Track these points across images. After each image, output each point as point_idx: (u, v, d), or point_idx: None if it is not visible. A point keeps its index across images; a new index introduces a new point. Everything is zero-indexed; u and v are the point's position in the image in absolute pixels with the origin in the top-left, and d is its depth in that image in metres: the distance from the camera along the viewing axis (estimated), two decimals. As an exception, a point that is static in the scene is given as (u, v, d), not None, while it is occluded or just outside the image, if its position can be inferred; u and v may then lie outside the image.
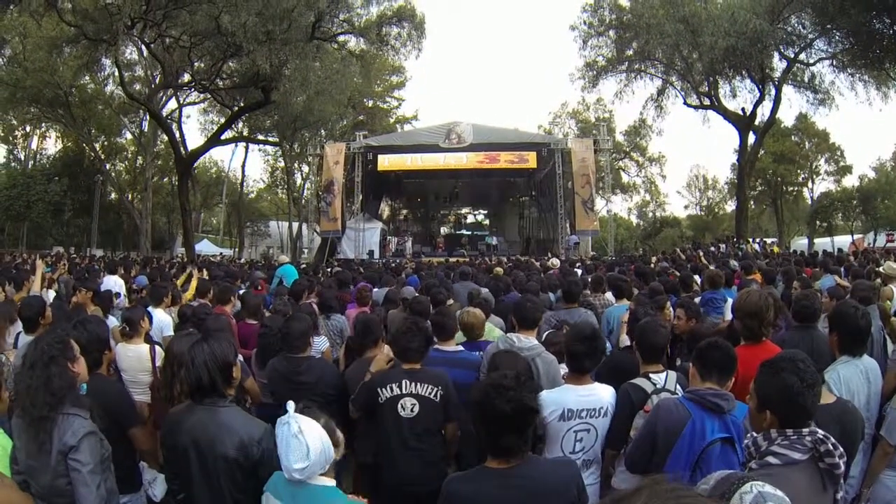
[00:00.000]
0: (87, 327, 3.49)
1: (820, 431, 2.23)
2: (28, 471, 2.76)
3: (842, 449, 2.20)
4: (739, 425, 2.89)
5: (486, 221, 34.39)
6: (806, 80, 31.71)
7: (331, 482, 2.45)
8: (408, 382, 3.75)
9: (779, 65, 31.13)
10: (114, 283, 9.61)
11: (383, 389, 3.74)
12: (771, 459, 2.19)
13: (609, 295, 7.58)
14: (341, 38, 28.06)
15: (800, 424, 2.25)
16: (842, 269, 9.79)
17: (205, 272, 10.66)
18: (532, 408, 2.43)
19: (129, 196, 42.39)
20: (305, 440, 2.33)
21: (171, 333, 6.25)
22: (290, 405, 2.41)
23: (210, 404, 2.79)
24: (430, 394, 3.74)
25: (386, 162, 29.41)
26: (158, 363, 4.95)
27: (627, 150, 47.41)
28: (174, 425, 2.85)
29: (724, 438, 2.85)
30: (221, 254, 37.88)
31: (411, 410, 3.71)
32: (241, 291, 8.20)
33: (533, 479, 2.42)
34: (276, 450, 2.76)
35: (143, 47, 27.64)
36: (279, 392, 4.21)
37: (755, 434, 2.33)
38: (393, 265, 17.05)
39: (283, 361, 4.35)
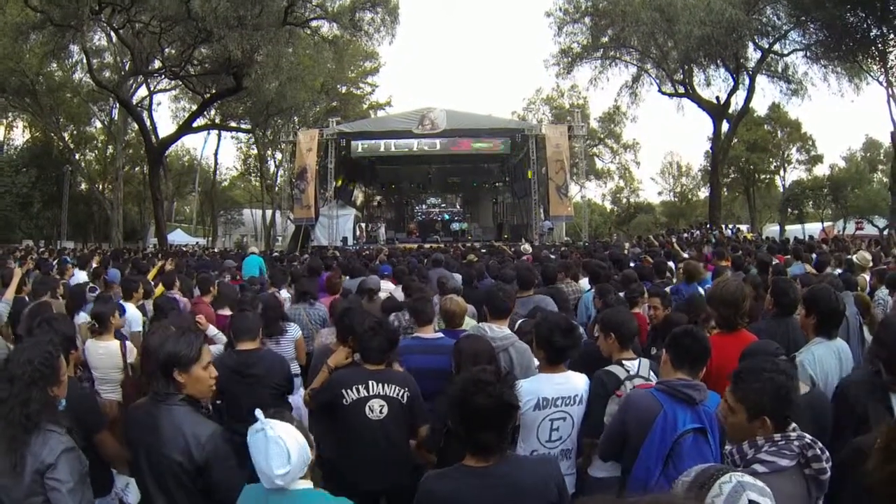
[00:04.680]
0: (53, 326, 3.39)
1: (808, 436, 2.19)
2: None
3: (828, 453, 2.17)
4: (712, 415, 2.87)
5: (459, 207, 34.35)
6: (779, 70, 32.19)
7: (308, 484, 2.39)
8: (374, 384, 3.61)
9: (753, 55, 31.59)
10: (81, 279, 9.44)
11: (348, 391, 3.58)
12: (758, 468, 2.13)
13: (584, 281, 7.58)
14: (314, 24, 27.75)
15: (788, 424, 2.21)
16: (813, 256, 9.92)
17: (170, 263, 10.44)
18: (512, 404, 2.35)
19: (100, 186, 41.50)
20: (285, 444, 2.25)
21: (140, 329, 6.14)
22: (259, 413, 2.35)
23: (162, 401, 2.71)
24: (397, 394, 3.64)
25: (359, 148, 29.29)
26: (130, 359, 4.85)
27: (602, 136, 47.76)
28: (131, 420, 2.81)
29: (697, 429, 2.84)
30: (197, 243, 37.40)
31: (380, 412, 3.59)
32: (217, 282, 8.09)
33: (512, 477, 2.36)
34: (224, 451, 2.69)
35: (112, 33, 27.12)
36: (228, 387, 3.99)
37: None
38: (366, 252, 16.96)
39: (231, 355, 4.22)
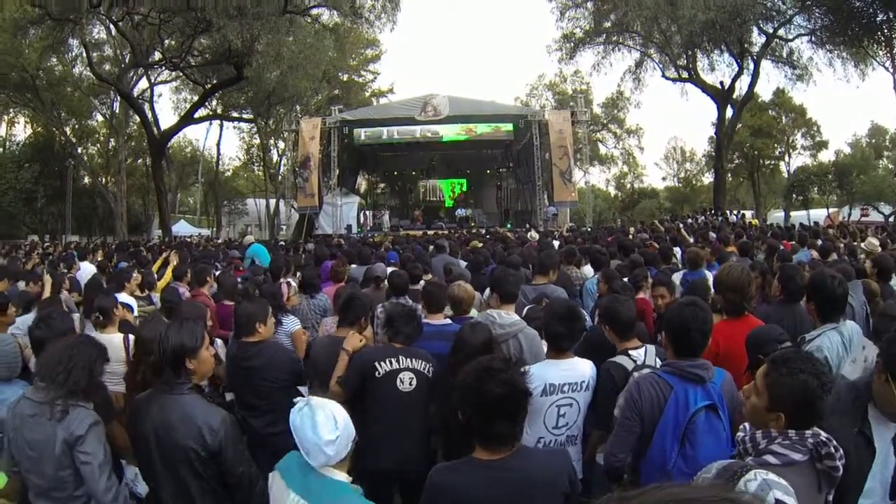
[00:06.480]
0: (50, 324, 3.40)
1: (823, 434, 2.13)
2: (28, 464, 2.73)
3: (842, 451, 2.11)
4: (720, 392, 2.89)
5: (460, 193, 34.30)
6: (784, 55, 32.00)
7: (346, 478, 2.36)
8: (403, 357, 3.74)
9: (758, 39, 31.34)
10: (88, 271, 9.44)
11: (381, 363, 3.69)
12: (770, 459, 2.09)
13: (587, 268, 7.55)
14: (314, 12, 27.51)
15: (809, 427, 2.15)
16: (819, 242, 9.84)
17: (174, 254, 10.31)
18: (525, 390, 2.32)
19: (103, 180, 41.49)
20: (332, 412, 2.30)
21: (135, 314, 6.16)
22: (304, 389, 2.40)
23: (168, 391, 2.73)
24: (424, 369, 3.75)
25: (362, 136, 29.30)
26: (133, 352, 4.84)
27: (605, 121, 47.58)
28: (137, 413, 2.81)
29: (708, 406, 2.83)
30: (200, 234, 37.41)
31: (410, 384, 3.69)
32: (218, 272, 8.06)
33: (523, 470, 2.32)
34: (235, 435, 2.73)
35: (111, 26, 26.99)
36: (231, 377, 4.18)
37: (752, 430, 2.22)
38: (371, 240, 16.93)
39: (234, 345, 4.29)
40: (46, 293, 6.49)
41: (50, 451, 2.67)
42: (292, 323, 5.52)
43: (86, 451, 2.68)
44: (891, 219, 29.66)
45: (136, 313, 6.21)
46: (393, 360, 3.71)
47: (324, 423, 2.26)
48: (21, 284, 7.24)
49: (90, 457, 2.68)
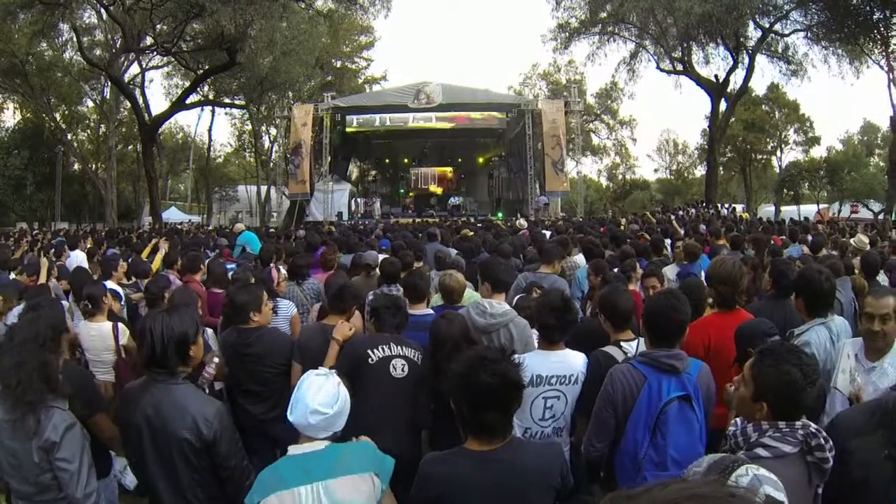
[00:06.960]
0: (39, 312, 3.34)
1: (812, 425, 2.15)
2: (9, 469, 2.71)
3: (832, 442, 2.13)
4: (695, 383, 2.91)
5: (452, 181, 34.27)
6: (780, 50, 31.98)
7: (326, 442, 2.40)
8: (394, 345, 3.73)
9: (753, 34, 31.28)
10: (78, 259, 9.38)
11: (374, 350, 3.68)
12: (761, 452, 2.11)
13: (579, 258, 7.54)
14: (308, -3, 27.34)
15: (794, 418, 2.17)
16: (809, 237, 9.89)
17: (164, 241, 10.21)
18: (517, 382, 2.30)
19: (93, 166, 40.98)
20: (340, 392, 2.36)
21: (122, 303, 6.14)
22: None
23: (163, 381, 2.67)
24: (414, 356, 3.74)
25: (354, 123, 29.26)
26: (123, 341, 4.81)
27: (598, 112, 47.54)
28: (129, 402, 2.74)
29: (682, 396, 2.85)
30: (190, 220, 37.22)
31: (402, 371, 3.68)
32: (208, 260, 8.02)
33: (515, 462, 2.32)
34: (229, 427, 2.69)
35: (102, 10, 26.63)
36: (230, 364, 4.14)
37: (744, 424, 2.24)
38: (361, 227, 16.89)
39: (232, 333, 4.26)
40: (43, 279, 6.46)
41: (28, 458, 2.64)
42: (290, 307, 5.52)
43: (62, 458, 2.64)
44: (880, 216, 29.79)
45: (123, 301, 6.19)
46: (385, 347, 3.70)
47: (327, 394, 2.32)
48: (12, 275, 7.17)
49: (66, 463, 2.65)
